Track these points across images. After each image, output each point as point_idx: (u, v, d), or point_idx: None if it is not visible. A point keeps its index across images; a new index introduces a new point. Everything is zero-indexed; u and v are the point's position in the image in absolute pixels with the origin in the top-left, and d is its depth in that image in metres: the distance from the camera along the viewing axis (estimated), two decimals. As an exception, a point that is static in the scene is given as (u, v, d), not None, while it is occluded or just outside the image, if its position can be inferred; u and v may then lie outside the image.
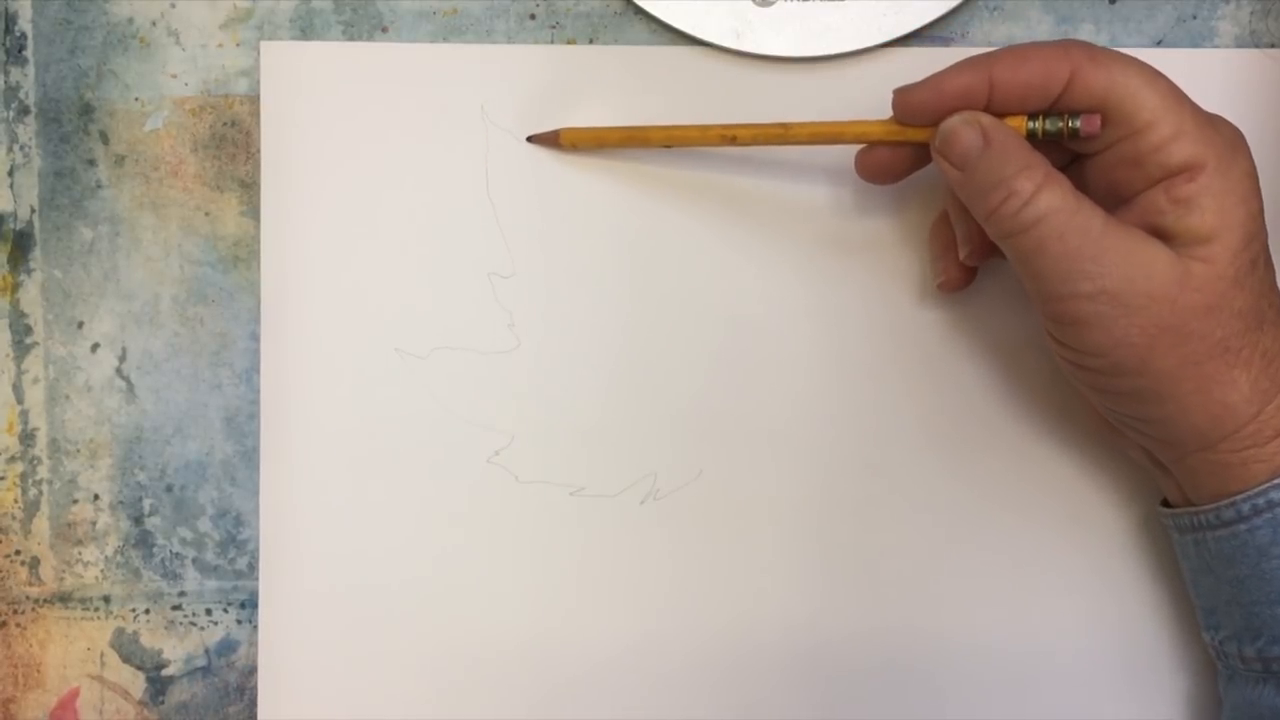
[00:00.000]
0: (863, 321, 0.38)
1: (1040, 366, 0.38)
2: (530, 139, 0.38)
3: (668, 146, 0.37)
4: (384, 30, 0.38)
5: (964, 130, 0.32)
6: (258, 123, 0.38)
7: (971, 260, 0.36)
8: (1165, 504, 0.36)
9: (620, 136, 0.37)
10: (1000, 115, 0.33)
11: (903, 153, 0.35)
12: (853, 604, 0.39)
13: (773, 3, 0.38)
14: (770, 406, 0.38)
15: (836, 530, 0.38)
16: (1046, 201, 0.31)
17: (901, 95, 0.34)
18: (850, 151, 0.36)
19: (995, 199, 0.32)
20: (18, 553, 0.39)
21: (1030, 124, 0.33)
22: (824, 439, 0.38)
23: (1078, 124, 0.32)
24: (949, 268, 0.37)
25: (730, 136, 0.36)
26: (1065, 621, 0.39)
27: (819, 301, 0.38)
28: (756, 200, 0.38)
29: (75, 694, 0.39)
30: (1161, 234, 0.32)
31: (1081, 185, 0.32)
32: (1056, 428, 0.38)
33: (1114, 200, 0.33)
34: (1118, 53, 0.32)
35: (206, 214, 0.39)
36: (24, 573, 0.39)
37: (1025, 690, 0.38)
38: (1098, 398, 0.34)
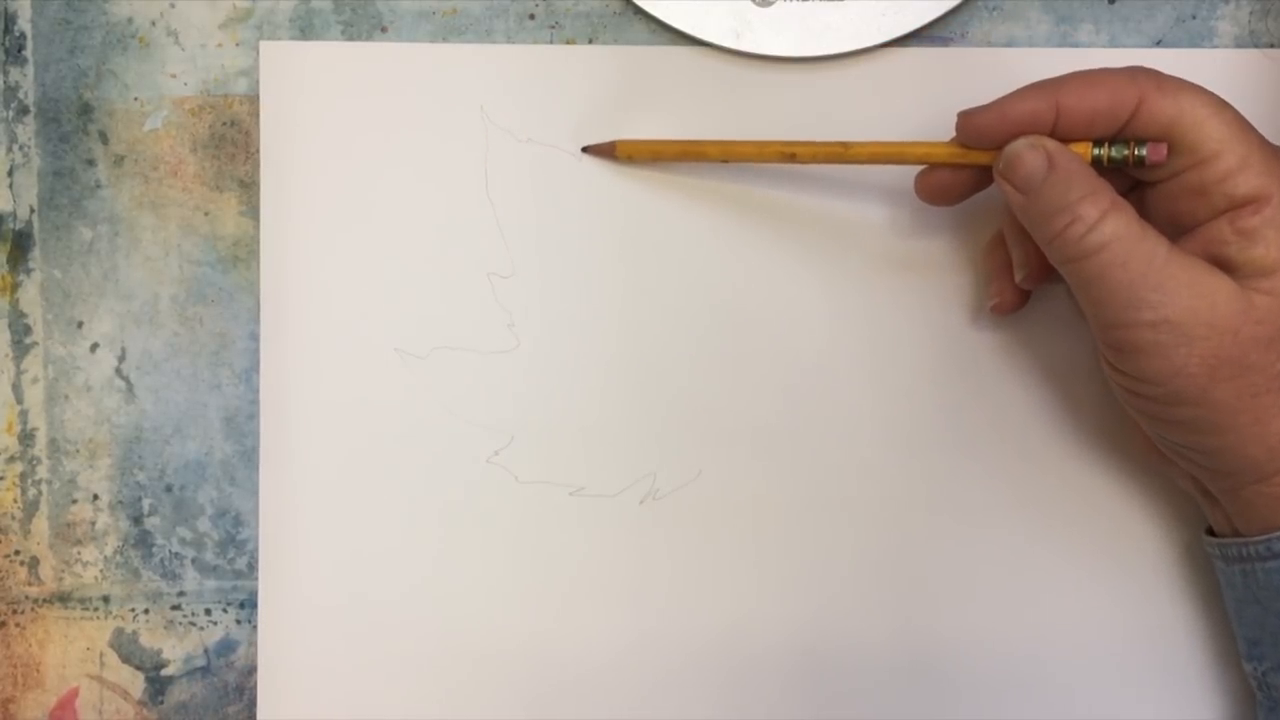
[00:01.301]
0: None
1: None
2: (585, 149, 0.38)
3: (724, 161, 0.37)
4: (384, 30, 0.38)
5: (1028, 154, 0.32)
6: (257, 123, 0.38)
7: (1028, 284, 0.35)
8: (1210, 532, 0.36)
9: (676, 150, 0.37)
10: (1065, 141, 0.33)
11: (964, 175, 0.35)
12: (855, 606, 0.39)
13: (773, 3, 0.38)
14: (772, 408, 0.38)
15: (838, 532, 0.39)
16: (1111, 228, 0.31)
17: (966, 118, 0.34)
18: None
19: (1059, 224, 0.32)
20: (17, 553, 0.39)
21: (1095, 150, 0.33)
22: (835, 444, 0.38)
23: (1143, 152, 0.32)
24: (1003, 290, 0.36)
25: (789, 154, 0.35)
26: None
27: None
28: (767, 202, 0.38)
29: (75, 694, 0.39)
30: (1224, 264, 0.32)
31: (1143, 212, 0.32)
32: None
33: (1176, 229, 0.33)
34: (1185, 82, 0.32)
35: (206, 214, 0.39)
36: (23, 573, 0.39)
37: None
38: (1153, 426, 0.34)
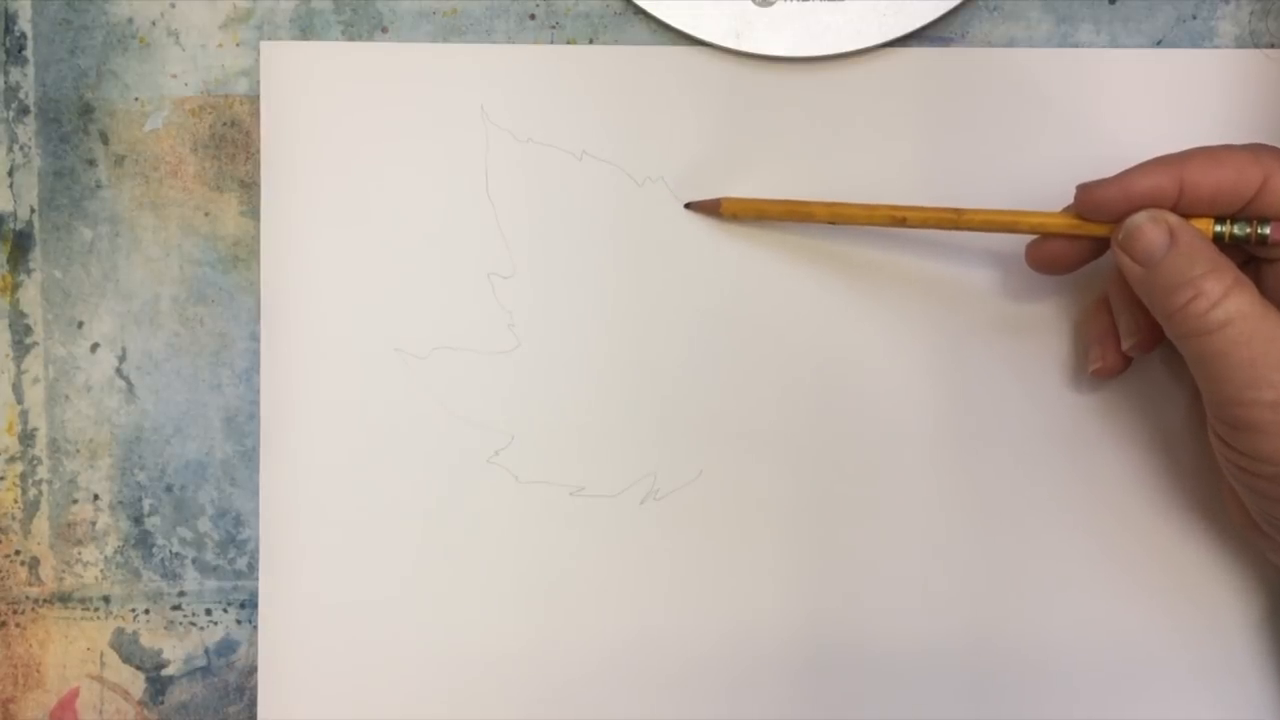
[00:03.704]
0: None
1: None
2: (689, 206, 0.38)
3: (831, 223, 0.37)
4: (384, 30, 0.38)
5: (1150, 227, 0.32)
6: (258, 123, 0.38)
7: (1135, 351, 0.35)
8: None
9: (782, 210, 0.37)
10: (1186, 216, 0.32)
11: (1077, 246, 0.35)
12: (855, 607, 0.38)
13: (773, 3, 0.38)
14: (770, 408, 0.38)
15: (838, 532, 0.38)
16: (1235, 305, 0.31)
17: (1086, 191, 0.33)
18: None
19: (1180, 299, 0.31)
20: (18, 553, 0.39)
21: (1217, 227, 0.33)
22: (845, 448, 0.39)
23: (1266, 230, 0.32)
24: (1107, 354, 0.36)
25: (900, 218, 0.35)
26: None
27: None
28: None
29: (75, 694, 0.39)
30: None
31: (1258, 288, 0.32)
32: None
33: None
34: None
35: (206, 214, 0.39)
36: (24, 573, 0.39)
37: None
38: (1259, 502, 0.33)
